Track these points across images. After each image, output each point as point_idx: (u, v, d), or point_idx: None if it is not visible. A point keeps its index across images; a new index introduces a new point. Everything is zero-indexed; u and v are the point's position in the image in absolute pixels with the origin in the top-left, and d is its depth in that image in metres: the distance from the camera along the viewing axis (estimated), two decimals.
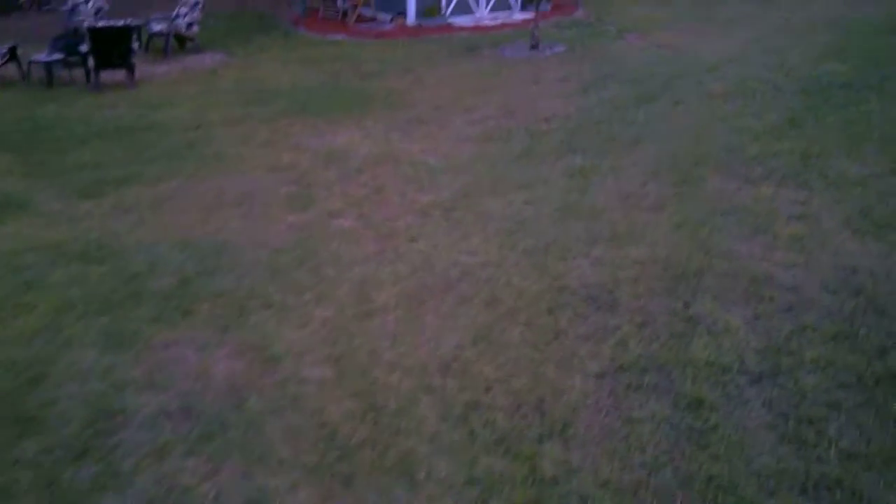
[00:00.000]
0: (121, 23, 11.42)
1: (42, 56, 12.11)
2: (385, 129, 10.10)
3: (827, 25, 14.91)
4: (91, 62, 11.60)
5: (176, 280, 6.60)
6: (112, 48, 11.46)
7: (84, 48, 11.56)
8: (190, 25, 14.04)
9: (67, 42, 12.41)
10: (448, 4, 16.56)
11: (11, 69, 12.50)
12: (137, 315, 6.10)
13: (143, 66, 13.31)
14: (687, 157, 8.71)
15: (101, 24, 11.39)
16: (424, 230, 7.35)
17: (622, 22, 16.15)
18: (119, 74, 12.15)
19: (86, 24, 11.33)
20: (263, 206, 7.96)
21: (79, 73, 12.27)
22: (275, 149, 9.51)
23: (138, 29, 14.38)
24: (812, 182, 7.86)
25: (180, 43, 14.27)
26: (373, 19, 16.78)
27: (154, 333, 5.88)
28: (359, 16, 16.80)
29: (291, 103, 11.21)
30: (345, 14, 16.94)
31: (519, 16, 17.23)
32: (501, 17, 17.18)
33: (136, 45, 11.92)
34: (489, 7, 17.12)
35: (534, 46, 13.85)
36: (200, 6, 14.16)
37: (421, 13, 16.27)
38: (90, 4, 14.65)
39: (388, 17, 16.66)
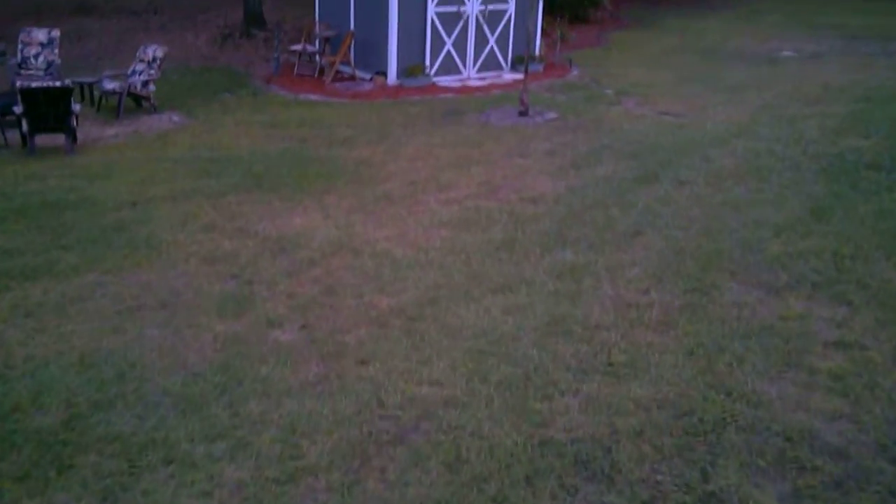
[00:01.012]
0: (57, 83, 10.15)
1: None
2: (348, 210, 8.81)
3: (841, 92, 13.70)
4: (24, 126, 10.32)
5: (63, 416, 5.27)
6: (48, 110, 10.18)
7: (18, 109, 10.29)
8: (146, 83, 12.80)
9: (5, 101, 11.16)
10: (433, 63, 15.39)
11: None
12: (1, 470, 4.75)
13: (91, 128, 12.06)
14: (697, 255, 7.41)
15: (34, 84, 10.11)
16: (379, 348, 6.02)
17: (620, 85, 14.95)
18: (61, 137, 10.85)
19: (17, 84, 10.06)
20: (189, 311, 6.62)
21: (16, 135, 10.96)
22: (217, 233, 8.19)
23: (90, 87, 13.21)
24: (850, 294, 6.53)
25: (136, 102, 13.03)
26: (352, 78, 15.59)
27: (16, 499, 4.53)
28: (337, 73, 15.63)
29: (246, 175, 9.92)
30: (322, 71, 15.76)
31: (509, 76, 16.07)
32: (490, 77, 16.01)
33: (76, 107, 10.66)
34: (477, 67, 15.97)
35: (522, 113, 12.64)
36: (158, 63, 12.95)
37: (403, 72, 15.09)
38: (40, 59, 13.45)
39: (367, 75, 15.48)
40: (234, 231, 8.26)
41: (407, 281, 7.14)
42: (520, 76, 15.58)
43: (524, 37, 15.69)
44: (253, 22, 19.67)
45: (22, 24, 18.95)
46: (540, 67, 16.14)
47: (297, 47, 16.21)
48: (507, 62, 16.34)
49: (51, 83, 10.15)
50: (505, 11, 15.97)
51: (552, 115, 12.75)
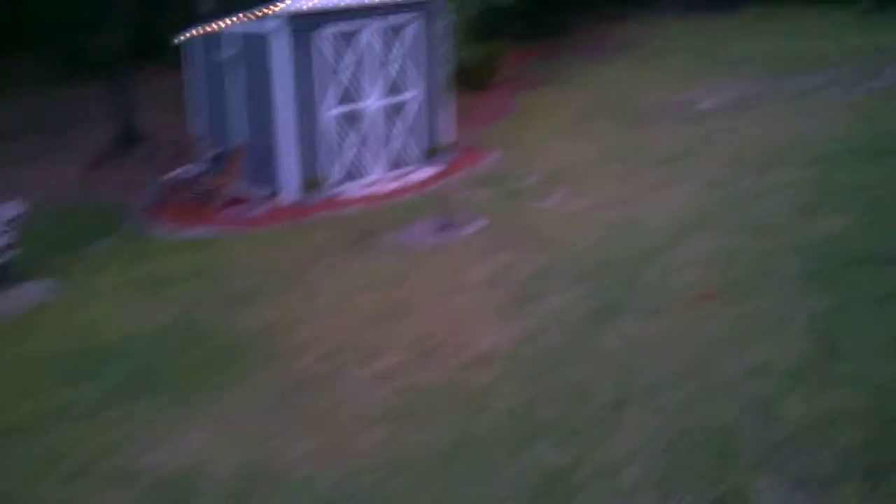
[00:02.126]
0: None
1: None
2: (259, 416, 7.05)
3: (789, 153, 12.21)
4: None
5: None
6: None
7: None
8: (6, 249, 10.87)
9: None
10: (335, 172, 13.63)
11: None
12: None
13: None
14: (702, 439, 5.83)
15: None
16: None
17: (544, 169, 13.43)
18: None
19: None
20: None
21: None
22: (90, 480, 6.35)
23: None
24: None
25: None
26: (244, 199, 13.73)
27: None
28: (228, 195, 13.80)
29: (124, 376, 8.03)
30: (210, 195, 13.86)
31: (421, 173, 14.44)
32: (401, 176, 14.28)
33: None
34: (385, 167, 14.25)
35: (445, 226, 11.04)
36: (16, 223, 11.00)
37: (303, 187, 13.26)
38: None
39: (262, 192, 13.67)
40: (112, 473, 6.41)
41: None
42: (432, 172, 14.13)
43: (434, 124, 14.26)
44: (127, 140, 17.68)
45: None
46: (454, 155, 14.60)
47: (180, 171, 14.36)
48: (418, 155, 14.75)
49: None
50: (410, 100, 14.44)
51: (480, 223, 11.14)
